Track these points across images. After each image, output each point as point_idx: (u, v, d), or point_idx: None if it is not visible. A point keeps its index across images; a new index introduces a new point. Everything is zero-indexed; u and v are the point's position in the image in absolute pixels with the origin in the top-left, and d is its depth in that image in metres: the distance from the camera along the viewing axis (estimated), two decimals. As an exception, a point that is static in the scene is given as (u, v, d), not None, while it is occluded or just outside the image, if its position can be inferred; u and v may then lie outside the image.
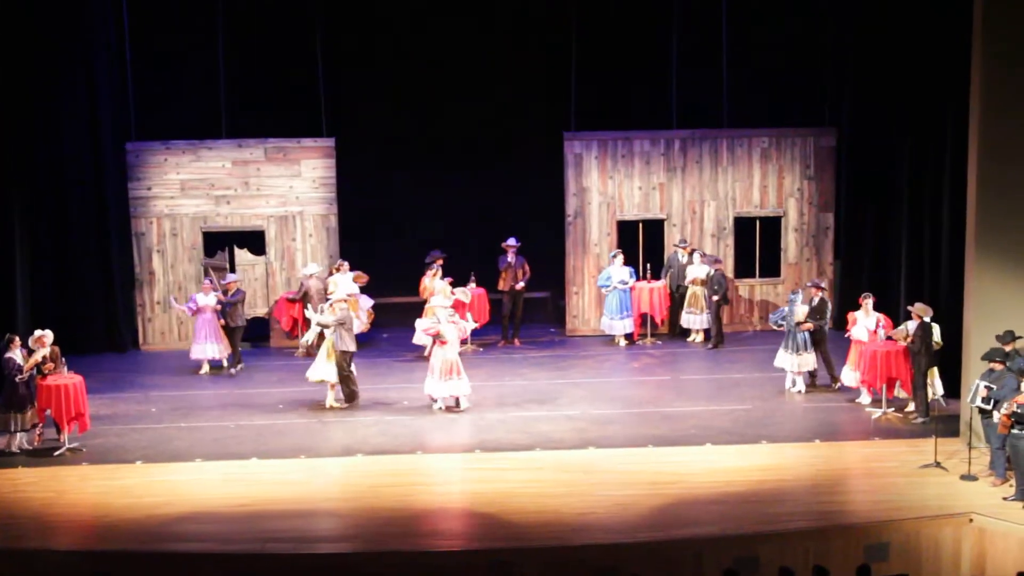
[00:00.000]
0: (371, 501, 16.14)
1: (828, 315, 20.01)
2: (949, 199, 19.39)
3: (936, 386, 18.34)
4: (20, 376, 17.73)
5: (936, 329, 18.33)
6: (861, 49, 22.83)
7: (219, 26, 23.57)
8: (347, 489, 16.65)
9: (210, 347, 21.77)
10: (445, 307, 19.67)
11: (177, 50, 23.72)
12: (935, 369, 18.41)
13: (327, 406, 19.67)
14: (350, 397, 19.65)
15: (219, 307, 21.65)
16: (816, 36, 24.09)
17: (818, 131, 24.12)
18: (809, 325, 19.92)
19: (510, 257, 23.40)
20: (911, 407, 18.66)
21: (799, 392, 20.06)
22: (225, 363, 21.94)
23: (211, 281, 22.06)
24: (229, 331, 21.79)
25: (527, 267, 23.45)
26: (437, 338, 19.25)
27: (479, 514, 15.86)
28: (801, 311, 19.97)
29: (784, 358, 20.15)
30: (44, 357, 17.94)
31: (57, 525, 15.61)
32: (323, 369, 19.57)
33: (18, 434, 17.90)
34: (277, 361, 22.78)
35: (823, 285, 20.37)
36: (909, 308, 18.75)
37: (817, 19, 24.09)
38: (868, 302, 19.38)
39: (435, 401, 19.38)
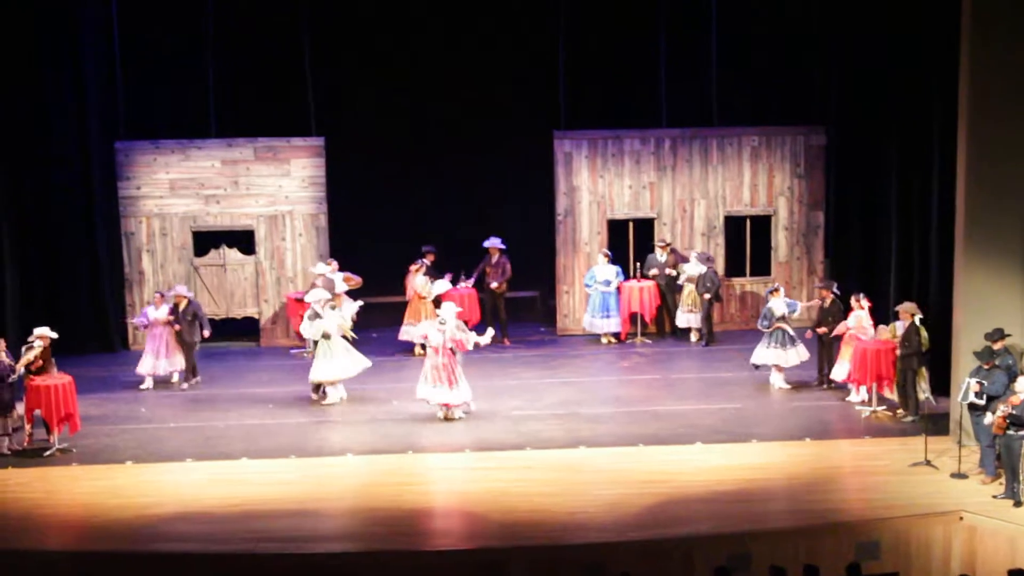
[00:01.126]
0: (362, 501, 16.15)
1: (842, 316, 19.98)
2: (938, 197, 19.41)
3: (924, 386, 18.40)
4: (12, 376, 17.70)
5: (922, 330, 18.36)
6: (850, 48, 22.82)
7: (208, 25, 23.53)
8: (338, 489, 16.64)
9: (159, 362, 20.92)
10: (447, 312, 19.20)
11: (166, 49, 23.64)
12: (924, 369, 18.44)
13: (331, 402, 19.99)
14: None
15: (171, 319, 20.87)
16: (806, 35, 24.08)
17: (808, 130, 24.12)
18: (824, 329, 19.97)
19: (494, 258, 23.39)
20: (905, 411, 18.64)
21: (781, 388, 20.17)
22: (176, 378, 21.16)
23: (162, 295, 21.39)
24: (185, 345, 21.04)
25: (508, 268, 23.39)
26: (427, 343, 19.16)
27: (470, 513, 15.87)
28: (779, 306, 20.07)
29: (767, 354, 20.20)
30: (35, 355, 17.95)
31: (46, 526, 15.59)
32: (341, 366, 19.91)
33: (4, 437, 17.86)
34: (267, 361, 22.74)
35: (835, 289, 20.36)
36: (897, 308, 18.77)
37: (807, 18, 24.07)
38: (863, 301, 19.41)
39: (433, 405, 19.10)
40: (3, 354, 17.84)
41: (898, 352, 18.36)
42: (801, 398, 19.84)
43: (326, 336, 19.79)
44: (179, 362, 21.07)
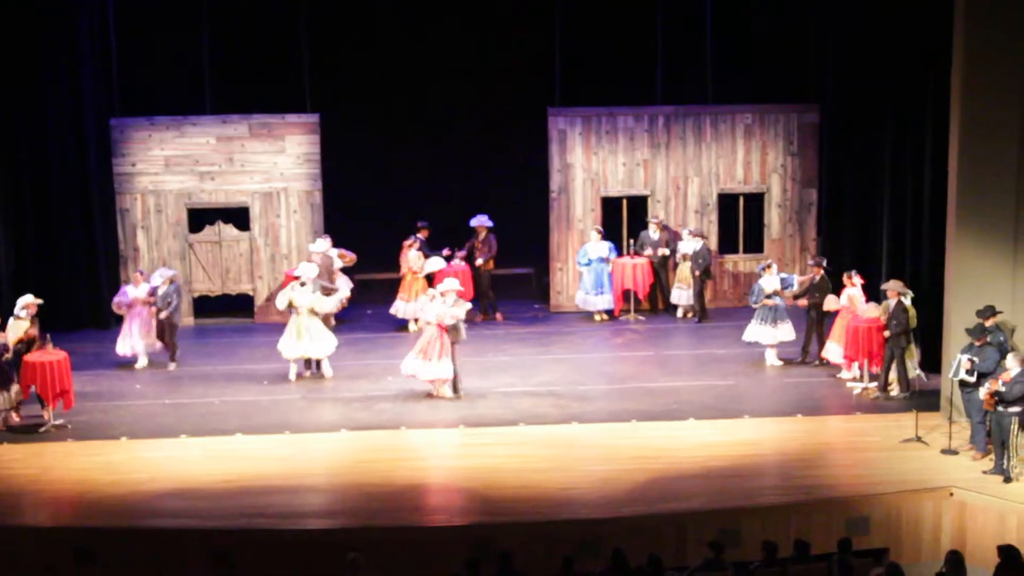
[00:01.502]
0: (355, 476, 16.22)
1: (828, 293, 20.03)
2: (931, 174, 19.46)
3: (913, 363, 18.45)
4: (6, 355, 17.73)
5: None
6: (844, 25, 22.82)
7: (203, 1, 23.50)
8: (332, 465, 16.73)
9: (137, 342, 20.63)
10: (445, 289, 19.12)
11: (161, 25, 23.59)
12: (912, 347, 18.49)
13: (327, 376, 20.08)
14: None
15: (150, 300, 20.51)
16: (799, 12, 24.07)
17: (801, 107, 24.14)
18: (804, 302, 20.03)
19: (481, 236, 23.45)
20: (895, 388, 18.63)
21: (773, 364, 20.27)
22: (146, 361, 20.81)
23: (142, 273, 21.11)
24: (170, 327, 20.59)
25: (494, 245, 23.42)
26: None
27: (463, 489, 15.95)
28: (769, 283, 20.13)
29: (758, 331, 20.27)
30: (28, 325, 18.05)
31: (42, 501, 15.67)
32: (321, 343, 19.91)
33: (12, 411, 17.99)
34: (262, 337, 22.74)
35: (824, 264, 20.41)
36: (883, 287, 18.80)
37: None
38: (855, 279, 19.41)
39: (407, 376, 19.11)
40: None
41: (886, 332, 18.37)
42: (793, 375, 19.90)
43: (294, 310, 19.85)
44: (157, 343, 20.78)
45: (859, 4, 22.08)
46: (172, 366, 20.73)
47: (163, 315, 20.44)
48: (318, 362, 20.19)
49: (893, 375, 18.58)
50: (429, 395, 18.99)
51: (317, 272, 20.61)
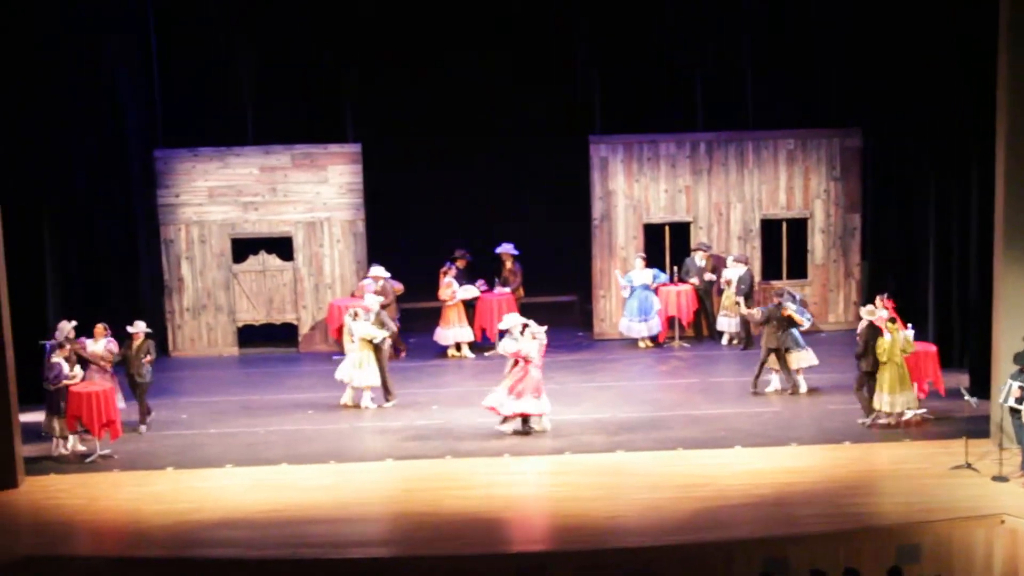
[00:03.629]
0: (402, 506, 16.21)
1: (779, 322, 19.87)
2: (977, 198, 19.34)
3: (905, 397, 18.21)
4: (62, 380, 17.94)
5: (905, 335, 18.15)
6: (886, 49, 22.74)
7: (245, 33, 23.68)
8: (378, 494, 16.71)
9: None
10: (516, 323, 18.72)
11: (204, 57, 23.83)
12: (889, 376, 18.13)
13: (363, 407, 20.01)
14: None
15: (109, 355, 19.03)
16: (841, 36, 24.01)
17: (844, 132, 24.03)
18: (748, 312, 20.34)
19: (508, 264, 23.49)
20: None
21: (791, 391, 20.23)
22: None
23: (105, 327, 19.46)
24: (137, 386, 19.24)
25: (518, 274, 23.50)
26: (523, 359, 18.43)
27: (509, 518, 15.90)
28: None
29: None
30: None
31: (88, 532, 15.73)
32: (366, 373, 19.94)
33: (62, 439, 18.18)
34: (306, 366, 22.82)
35: (779, 294, 20.30)
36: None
37: (841, 19, 23.99)
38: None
39: (506, 421, 18.66)
40: (63, 360, 18.13)
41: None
42: (838, 401, 19.72)
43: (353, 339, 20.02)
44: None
45: (901, 26, 21.99)
46: (143, 428, 19.28)
47: (139, 374, 19.19)
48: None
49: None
50: (516, 432, 18.66)
51: (380, 302, 20.60)
